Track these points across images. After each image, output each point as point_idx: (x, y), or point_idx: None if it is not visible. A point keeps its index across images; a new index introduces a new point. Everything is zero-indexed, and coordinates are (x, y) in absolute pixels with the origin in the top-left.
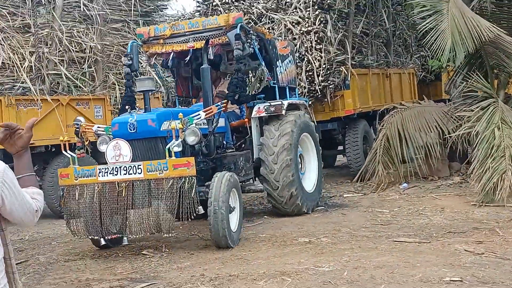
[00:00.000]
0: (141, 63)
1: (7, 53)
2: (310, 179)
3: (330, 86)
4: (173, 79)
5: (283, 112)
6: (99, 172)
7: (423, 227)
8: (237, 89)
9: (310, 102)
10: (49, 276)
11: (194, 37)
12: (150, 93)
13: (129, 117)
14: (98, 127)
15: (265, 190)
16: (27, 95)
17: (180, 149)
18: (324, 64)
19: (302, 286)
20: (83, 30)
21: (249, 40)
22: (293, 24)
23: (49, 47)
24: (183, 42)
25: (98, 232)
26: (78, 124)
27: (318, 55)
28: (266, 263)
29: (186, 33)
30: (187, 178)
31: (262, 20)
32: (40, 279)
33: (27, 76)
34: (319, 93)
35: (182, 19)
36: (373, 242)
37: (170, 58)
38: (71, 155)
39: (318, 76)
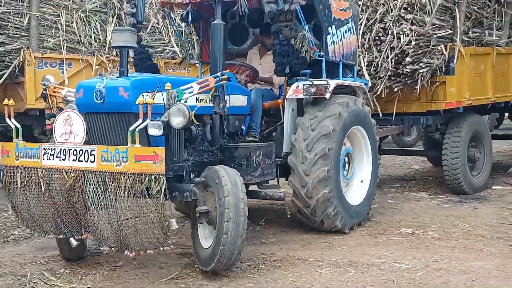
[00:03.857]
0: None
1: (157, 19)
2: (357, 189)
3: (423, 70)
4: (197, 39)
5: (327, 95)
6: (44, 154)
7: None
8: (284, 58)
9: (396, 89)
10: None
11: None
12: (129, 51)
13: (97, 81)
14: (68, 90)
15: (291, 187)
16: (176, 58)
17: (160, 132)
18: (416, 40)
19: (361, 280)
20: None
21: None
22: None
23: None
24: None
25: (57, 230)
26: (45, 85)
27: (408, 28)
28: (345, 251)
29: None
30: (153, 177)
31: None
32: None
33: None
34: (408, 78)
35: None
36: (484, 243)
37: (189, 11)
38: (15, 126)
39: (406, 56)
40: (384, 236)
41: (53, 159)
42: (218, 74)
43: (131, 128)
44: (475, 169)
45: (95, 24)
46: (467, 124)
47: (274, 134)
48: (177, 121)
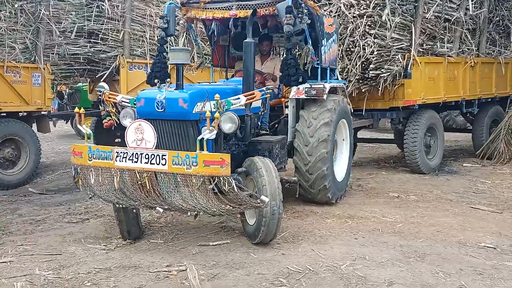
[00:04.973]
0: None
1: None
2: (341, 167)
3: (384, 75)
4: (209, 47)
5: (325, 97)
6: (117, 156)
7: (509, 200)
8: (292, 69)
9: (364, 90)
10: None
11: (238, 5)
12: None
13: (157, 93)
14: (123, 97)
15: (295, 164)
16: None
17: (213, 136)
18: (378, 50)
19: (355, 228)
20: None
21: (300, 15)
22: (347, 6)
23: None
24: (225, 9)
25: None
26: (100, 91)
27: (371, 41)
28: (346, 208)
29: None
30: (221, 179)
31: (322, 1)
32: None
33: None
34: (373, 81)
35: None
36: (450, 205)
37: (210, 24)
38: (86, 131)
39: (370, 63)
40: (376, 198)
41: (125, 161)
42: (264, 88)
43: (199, 137)
44: (430, 153)
45: (171, 38)
46: (423, 118)
47: (277, 126)
48: (228, 127)
